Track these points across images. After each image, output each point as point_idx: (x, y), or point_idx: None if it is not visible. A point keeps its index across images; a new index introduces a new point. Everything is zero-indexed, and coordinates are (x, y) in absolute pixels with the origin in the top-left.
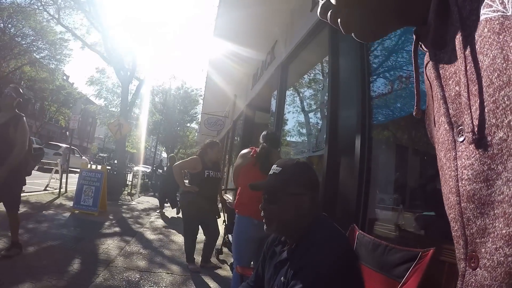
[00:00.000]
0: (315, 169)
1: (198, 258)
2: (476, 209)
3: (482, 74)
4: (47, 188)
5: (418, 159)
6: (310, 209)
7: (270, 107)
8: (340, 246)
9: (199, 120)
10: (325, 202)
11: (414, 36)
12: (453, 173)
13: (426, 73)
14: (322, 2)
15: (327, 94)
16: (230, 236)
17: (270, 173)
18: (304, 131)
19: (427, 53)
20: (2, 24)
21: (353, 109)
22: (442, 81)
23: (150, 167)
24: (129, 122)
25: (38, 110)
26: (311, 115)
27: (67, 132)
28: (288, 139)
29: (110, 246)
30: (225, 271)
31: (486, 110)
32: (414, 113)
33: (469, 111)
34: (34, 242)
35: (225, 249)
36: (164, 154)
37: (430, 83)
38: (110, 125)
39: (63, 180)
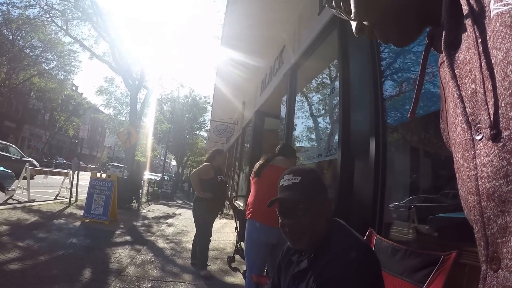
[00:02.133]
0: (327, 174)
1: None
2: (497, 207)
3: (496, 69)
4: (58, 198)
5: (432, 161)
6: (331, 214)
7: (279, 113)
8: (363, 255)
9: (208, 127)
10: (340, 207)
11: (426, 40)
12: (472, 172)
13: (440, 75)
14: (355, 23)
15: (337, 97)
16: (242, 243)
17: (286, 183)
18: (313, 136)
19: (441, 55)
20: (11, 36)
21: (365, 111)
22: (458, 81)
23: (159, 175)
24: (138, 131)
25: (48, 120)
26: (321, 119)
27: (77, 141)
28: (298, 144)
29: (121, 255)
30: (238, 279)
31: (503, 104)
32: (408, 116)
33: (485, 107)
34: (45, 251)
35: (237, 257)
36: (174, 162)
37: (443, 86)
38: (120, 134)
39: (73, 190)
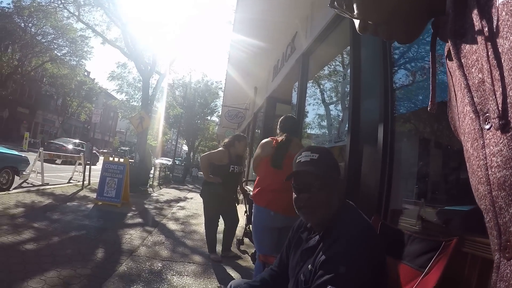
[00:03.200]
0: (338, 159)
1: (219, 248)
2: (508, 196)
3: (503, 58)
4: (71, 181)
5: (440, 152)
6: (344, 195)
7: (290, 99)
8: (369, 237)
9: (220, 113)
10: (348, 192)
11: (432, 29)
12: (481, 162)
13: (447, 64)
14: (358, 21)
15: (348, 85)
16: (251, 226)
17: (304, 159)
18: (324, 123)
19: (447, 44)
20: (23, 24)
21: (375, 100)
22: (465, 70)
23: (171, 159)
24: (150, 116)
25: (61, 106)
26: (332, 106)
27: (89, 127)
28: (308, 131)
29: (132, 236)
30: (246, 262)
31: (511, 94)
32: (428, 108)
33: (493, 97)
34: (59, 232)
35: (246, 240)
36: (185, 147)
37: (451, 74)
38: (132, 119)
39: (86, 173)
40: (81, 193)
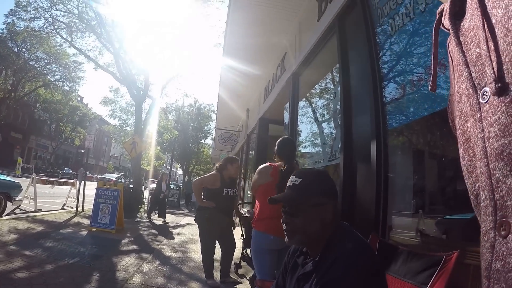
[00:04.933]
0: (333, 178)
1: (216, 274)
2: (506, 166)
3: (497, 27)
4: (65, 207)
5: (435, 163)
6: (333, 219)
7: (283, 120)
8: (366, 258)
9: (213, 136)
10: (344, 211)
11: (437, 16)
12: (479, 135)
13: (449, 52)
14: None
15: (339, 102)
16: (248, 250)
17: (289, 184)
18: (318, 141)
19: (450, 32)
20: (16, 49)
21: (367, 115)
22: (463, 47)
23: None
24: (144, 141)
25: (54, 131)
26: (324, 125)
27: (83, 151)
28: (302, 150)
29: (128, 263)
30: (245, 286)
31: (507, 60)
32: (429, 88)
33: (490, 63)
34: (52, 260)
35: (243, 263)
36: (180, 171)
37: (452, 57)
38: (125, 144)
39: (80, 199)
40: (75, 220)
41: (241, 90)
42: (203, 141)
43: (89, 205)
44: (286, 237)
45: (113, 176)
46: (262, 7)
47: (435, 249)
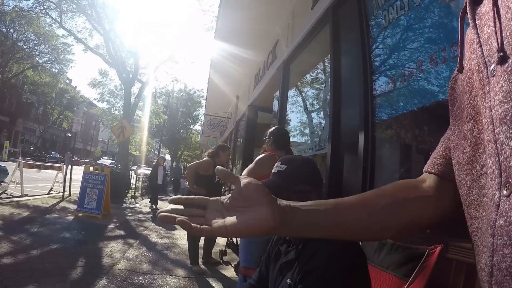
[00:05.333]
0: (320, 168)
1: (200, 260)
2: (509, 129)
3: (501, 6)
4: (51, 192)
5: (422, 157)
6: None
7: (272, 108)
8: (349, 248)
9: (202, 122)
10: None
11: (464, 4)
12: (487, 105)
13: (466, 38)
14: None
15: (329, 92)
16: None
17: (274, 171)
18: (307, 130)
19: (468, 16)
20: (4, 29)
21: (356, 107)
22: (478, 29)
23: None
24: (132, 125)
25: (42, 114)
26: (314, 114)
27: (70, 136)
28: (291, 139)
29: (113, 249)
30: (230, 272)
31: (508, 34)
32: (456, 69)
33: (495, 37)
34: (37, 246)
35: (229, 250)
36: (168, 157)
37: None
38: (113, 128)
39: (67, 184)
40: (61, 205)
41: (231, 76)
42: (192, 127)
43: (76, 190)
44: None
45: (107, 162)
46: None
47: (419, 242)
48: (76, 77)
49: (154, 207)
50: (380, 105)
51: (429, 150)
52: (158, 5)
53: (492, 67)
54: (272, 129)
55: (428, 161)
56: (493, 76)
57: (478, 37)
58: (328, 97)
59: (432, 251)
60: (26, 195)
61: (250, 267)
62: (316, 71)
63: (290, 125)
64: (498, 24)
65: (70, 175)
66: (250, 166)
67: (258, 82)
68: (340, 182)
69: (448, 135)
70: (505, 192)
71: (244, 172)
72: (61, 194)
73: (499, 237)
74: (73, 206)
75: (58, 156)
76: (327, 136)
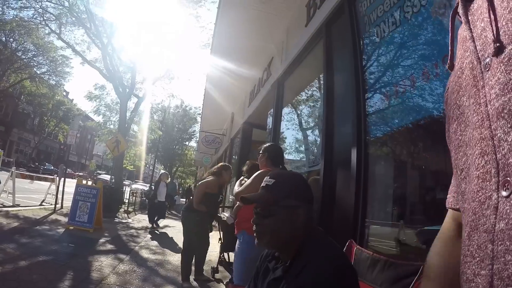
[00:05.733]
0: (313, 184)
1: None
2: (507, 123)
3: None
4: (43, 203)
5: (416, 174)
6: (306, 223)
7: (266, 125)
8: (338, 264)
9: (197, 138)
10: (322, 217)
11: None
12: (481, 100)
13: (458, 38)
14: None
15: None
16: (225, 254)
17: (262, 185)
18: (301, 148)
19: (460, 13)
20: (4, 38)
21: (349, 124)
22: (471, 25)
23: (148, 184)
24: (127, 140)
25: (37, 125)
26: (308, 132)
27: (65, 148)
28: (286, 157)
29: (103, 263)
30: None
31: (504, 23)
32: (447, 66)
33: (490, 28)
34: (26, 256)
35: (221, 268)
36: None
37: (460, 38)
38: (108, 142)
39: (59, 196)
40: (53, 217)
41: (227, 92)
42: (187, 143)
43: (68, 203)
44: (256, 238)
45: (107, 177)
46: (252, 10)
47: (414, 259)
48: (73, 89)
49: (152, 225)
50: (373, 122)
51: (422, 166)
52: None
53: (486, 60)
54: (267, 144)
55: (448, 195)
56: (487, 70)
57: (471, 32)
58: (322, 114)
59: None
60: (18, 205)
61: (239, 285)
62: (310, 89)
63: (285, 142)
64: (493, 15)
65: (63, 188)
66: (248, 182)
67: (253, 99)
68: (333, 198)
69: None
70: (504, 193)
71: (239, 187)
72: (53, 206)
73: (500, 243)
74: (64, 219)
75: (52, 168)
76: (320, 153)
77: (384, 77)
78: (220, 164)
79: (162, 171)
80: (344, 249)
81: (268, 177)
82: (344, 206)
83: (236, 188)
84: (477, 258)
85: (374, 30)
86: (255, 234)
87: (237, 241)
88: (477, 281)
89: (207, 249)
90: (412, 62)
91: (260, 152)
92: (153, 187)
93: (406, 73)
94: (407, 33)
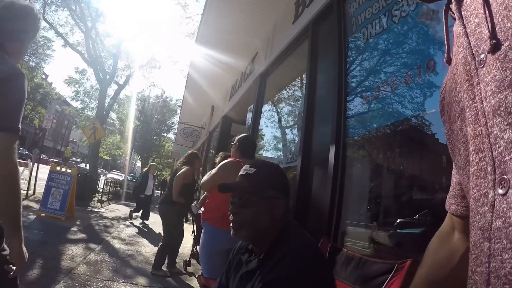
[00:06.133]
0: (290, 179)
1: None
2: (503, 121)
3: None
4: None
5: (391, 177)
6: (284, 215)
7: (246, 120)
8: (313, 259)
9: (176, 130)
10: (297, 211)
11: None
12: (477, 97)
13: (454, 30)
14: None
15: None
16: (198, 247)
17: (241, 173)
18: (279, 145)
19: (453, 9)
20: None
21: (329, 125)
22: (464, 20)
23: (123, 174)
24: (105, 127)
25: None
26: (287, 130)
27: (40, 133)
28: (264, 153)
29: (74, 252)
30: (194, 283)
31: (500, 19)
32: (444, 60)
33: (486, 25)
34: None
35: (193, 261)
36: (139, 163)
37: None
38: (85, 129)
39: (32, 182)
40: (24, 203)
41: (208, 84)
42: (165, 134)
43: (40, 189)
44: (232, 230)
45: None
46: (240, 4)
47: (388, 258)
48: (53, 73)
49: (142, 221)
50: (352, 125)
51: (397, 170)
52: (142, 9)
53: (481, 56)
54: (240, 136)
55: (447, 200)
56: (482, 66)
57: (465, 28)
58: (302, 113)
59: (401, 266)
60: None
61: (211, 278)
62: (292, 88)
63: (263, 139)
64: (487, 11)
65: (36, 173)
66: (213, 171)
67: (234, 93)
68: (309, 193)
69: (454, 171)
70: (500, 190)
71: (205, 177)
72: (25, 192)
73: (496, 241)
74: (36, 205)
75: (26, 153)
76: (298, 150)
77: (366, 82)
78: (190, 151)
79: (153, 163)
80: (319, 245)
81: (249, 165)
82: (319, 203)
83: (207, 177)
84: (473, 255)
85: (361, 32)
86: (231, 225)
87: (201, 232)
88: (474, 278)
89: (181, 241)
90: (394, 69)
91: (232, 142)
92: (135, 179)
93: (388, 79)
94: (392, 40)
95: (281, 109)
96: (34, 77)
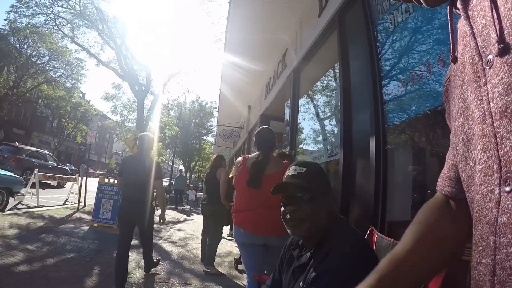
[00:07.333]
0: (332, 174)
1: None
2: (510, 123)
3: None
4: (66, 203)
5: (436, 160)
6: (334, 210)
7: (283, 116)
8: (362, 251)
9: (215, 133)
10: (343, 206)
11: None
12: (484, 98)
13: (458, 28)
14: None
15: (340, 99)
16: None
17: (291, 173)
18: (319, 138)
19: (459, 7)
20: (18, 45)
21: (366, 112)
22: (471, 20)
23: (167, 180)
24: None
25: (56, 127)
26: (326, 121)
27: (84, 148)
28: (304, 147)
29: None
30: (244, 281)
31: (508, 24)
32: (450, 59)
33: (494, 28)
34: (53, 254)
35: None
36: (182, 167)
37: (460, 34)
38: (127, 140)
39: (82, 195)
40: (77, 215)
41: (242, 86)
42: (205, 138)
43: (90, 201)
44: (289, 228)
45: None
46: (263, 3)
47: None
48: (90, 90)
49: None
50: (391, 110)
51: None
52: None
53: (488, 57)
54: (258, 128)
55: (439, 179)
56: (490, 68)
57: (471, 28)
58: (339, 103)
59: None
60: (42, 205)
61: (263, 274)
62: (326, 78)
63: (303, 133)
64: (495, 14)
65: (86, 187)
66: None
67: (269, 92)
68: (353, 187)
69: (450, 153)
70: (506, 188)
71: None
72: (76, 205)
73: (502, 235)
74: (88, 217)
75: (72, 168)
76: (339, 142)
77: (399, 64)
78: (215, 155)
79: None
80: (365, 236)
81: (297, 165)
82: (364, 194)
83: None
84: (480, 247)
85: (388, 17)
86: (288, 223)
87: None
88: (479, 269)
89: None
90: (428, 47)
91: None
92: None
93: (422, 59)
94: (421, 18)
95: (318, 102)
96: (72, 97)
